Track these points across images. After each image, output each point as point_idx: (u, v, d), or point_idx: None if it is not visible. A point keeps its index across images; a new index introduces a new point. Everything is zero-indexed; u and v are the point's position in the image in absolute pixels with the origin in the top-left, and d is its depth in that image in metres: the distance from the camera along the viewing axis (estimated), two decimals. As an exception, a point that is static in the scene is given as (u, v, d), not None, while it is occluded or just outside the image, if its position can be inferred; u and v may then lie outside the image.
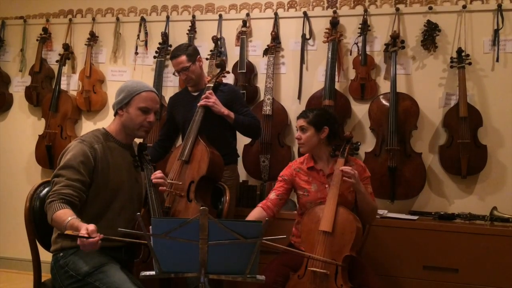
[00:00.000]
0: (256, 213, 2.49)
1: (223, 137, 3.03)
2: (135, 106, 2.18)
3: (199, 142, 2.82)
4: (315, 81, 3.62)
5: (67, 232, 1.76)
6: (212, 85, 2.99)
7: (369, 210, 2.45)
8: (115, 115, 2.26)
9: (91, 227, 1.78)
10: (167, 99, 3.84)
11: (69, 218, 1.87)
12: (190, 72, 3.00)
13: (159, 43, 3.85)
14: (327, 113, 2.65)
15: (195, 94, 3.08)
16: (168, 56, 3.87)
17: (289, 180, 2.59)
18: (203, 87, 3.03)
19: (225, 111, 2.91)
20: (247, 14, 3.78)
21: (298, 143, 2.57)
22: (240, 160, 3.44)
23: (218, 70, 3.10)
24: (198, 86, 3.07)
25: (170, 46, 3.87)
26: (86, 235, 1.74)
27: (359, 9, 3.56)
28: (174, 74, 3.12)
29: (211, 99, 2.88)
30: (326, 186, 2.49)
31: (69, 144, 2.18)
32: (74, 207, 1.98)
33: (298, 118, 2.60)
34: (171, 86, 3.93)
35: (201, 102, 2.89)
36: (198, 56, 3.06)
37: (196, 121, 2.87)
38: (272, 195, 2.57)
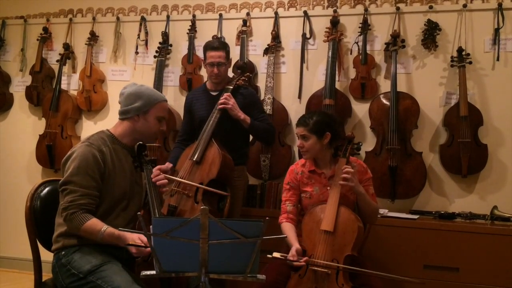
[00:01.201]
0: (291, 231, 2.45)
1: (236, 141, 3.00)
2: (154, 115, 2.22)
3: (213, 144, 2.80)
4: (316, 81, 3.62)
5: (131, 242, 1.94)
6: (231, 87, 2.97)
7: (370, 211, 2.45)
8: (125, 118, 2.23)
9: (144, 237, 1.91)
10: (167, 99, 3.83)
11: (104, 228, 1.99)
12: (223, 69, 3.01)
13: (160, 43, 3.85)
14: (327, 117, 2.56)
15: (214, 94, 3.05)
16: (168, 56, 3.89)
17: (296, 185, 2.58)
18: (223, 88, 3.01)
19: (241, 115, 2.89)
20: (247, 14, 3.78)
21: (301, 151, 2.54)
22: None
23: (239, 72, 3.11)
24: (220, 86, 3.04)
25: (171, 45, 3.88)
26: (143, 245, 1.91)
27: (360, 8, 3.56)
28: (205, 61, 3.03)
29: (230, 102, 2.86)
30: (328, 188, 2.49)
31: (75, 146, 2.16)
32: (92, 214, 2.05)
33: (297, 125, 2.54)
34: (171, 85, 3.93)
35: (220, 106, 2.87)
36: (230, 58, 3.11)
37: (211, 122, 2.86)
38: (289, 207, 2.55)
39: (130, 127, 2.22)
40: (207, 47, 3.03)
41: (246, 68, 3.15)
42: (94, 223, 2.00)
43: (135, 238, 1.94)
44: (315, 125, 2.47)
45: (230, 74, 3.30)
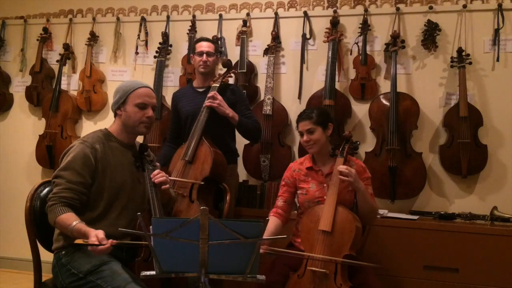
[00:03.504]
0: (272, 224, 2.50)
1: (224, 137, 3.04)
2: (131, 104, 2.20)
3: (203, 142, 2.82)
4: (316, 81, 3.62)
5: (77, 241, 1.80)
6: (217, 85, 2.99)
7: (369, 210, 2.44)
8: (115, 116, 2.28)
9: (100, 234, 1.82)
10: (167, 99, 3.85)
11: (74, 223, 1.92)
12: (212, 60, 3.07)
13: (160, 43, 3.84)
14: (326, 110, 2.69)
15: (200, 90, 3.10)
16: (168, 56, 3.89)
17: (291, 182, 2.60)
18: (210, 85, 3.04)
19: (230, 112, 2.92)
20: (248, 14, 3.78)
21: (307, 145, 2.53)
22: (240, 160, 3.44)
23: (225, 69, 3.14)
24: (206, 81, 3.09)
25: (171, 45, 3.88)
26: (96, 243, 1.78)
27: (360, 9, 3.56)
28: (194, 54, 3.12)
29: (216, 100, 2.89)
30: (325, 185, 2.50)
31: (71, 144, 2.19)
32: (75, 209, 2.02)
33: (300, 121, 2.55)
34: (171, 86, 3.93)
35: (206, 103, 2.89)
36: (219, 55, 3.21)
37: (200, 121, 2.88)
38: (280, 202, 2.60)
39: (118, 122, 2.25)
40: (197, 40, 3.19)
41: (231, 65, 3.18)
42: (68, 217, 1.96)
43: (92, 236, 1.82)
44: (319, 117, 2.52)
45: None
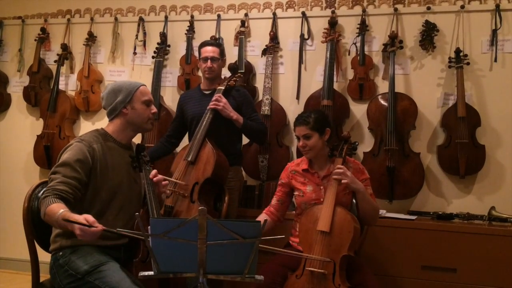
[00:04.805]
0: (258, 218, 2.53)
1: (229, 139, 3.04)
2: (139, 101, 2.23)
3: (207, 144, 2.83)
4: (314, 81, 3.62)
5: (65, 218, 1.79)
6: (223, 88, 3.00)
7: (370, 210, 2.44)
8: (115, 116, 2.25)
9: (90, 218, 1.82)
10: (165, 99, 3.85)
11: (61, 211, 1.87)
12: (217, 65, 3.08)
13: (158, 43, 3.84)
14: (323, 114, 2.65)
15: (207, 92, 3.11)
16: (166, 56, 3.89)
17: (287, 183, 2.60)
18: (215, 87, 3.05)
19: (234, 115, 2.93)
20: (246, 14, 3.78)
21: (303, 150, 2.52)
22: (239, 160, 3.44)
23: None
24: (212, 84, 3.10)
25: (169, 46, 3.88)
26: (86, 224, 1.77)
27: (358, 9, 3.57)
28: (199, 59, 3.13)
29: (221, 103, 2.90)
30: (321, 188, 2.49)
31: (69, 143, 2.19)
32: (67, 203, 1.98)
33: (297, 125, 2.52)
34: (170, 86, 3.93)
35: (211, 105, 2.91)
36: (224, 57, 3.20)
37: (204, 123, 2.89)
38: (273, 201, 2.63)
39: (122, 122, 2.25)
40: (202, 44, 3.16)
41: (237, 68, 3.19)
42: (57, 206, 1.91)
43: (81, 219, 1.80)
44: (316, 122, 2.49)
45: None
